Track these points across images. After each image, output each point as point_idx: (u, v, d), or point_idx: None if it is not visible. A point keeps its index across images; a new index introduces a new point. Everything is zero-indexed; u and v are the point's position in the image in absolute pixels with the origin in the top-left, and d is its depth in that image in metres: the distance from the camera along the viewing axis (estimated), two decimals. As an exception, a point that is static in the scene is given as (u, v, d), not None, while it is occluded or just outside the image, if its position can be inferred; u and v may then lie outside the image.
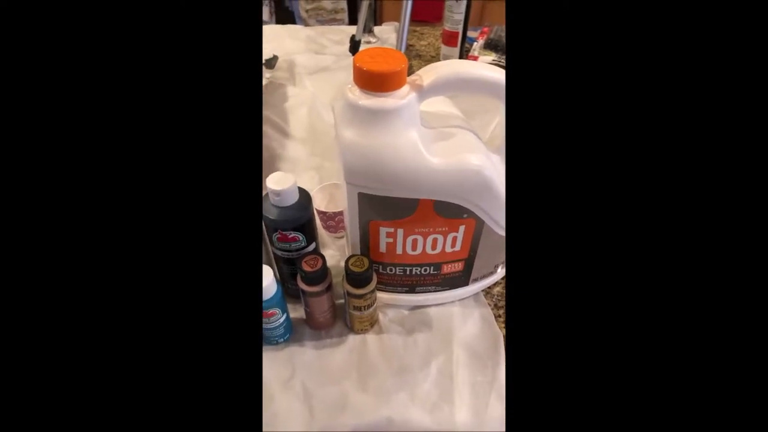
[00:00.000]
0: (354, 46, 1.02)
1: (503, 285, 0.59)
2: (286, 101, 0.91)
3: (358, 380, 0.49)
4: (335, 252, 0.62)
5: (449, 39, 0.97)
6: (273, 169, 0.74)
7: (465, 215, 0.45)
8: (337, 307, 0.54)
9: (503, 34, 1.01)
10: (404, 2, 0.87)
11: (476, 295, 0.57)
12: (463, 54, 0.99)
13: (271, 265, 0.50)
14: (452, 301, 0.56)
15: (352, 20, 1.90)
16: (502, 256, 0.54)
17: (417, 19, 0.96)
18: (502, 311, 0.55)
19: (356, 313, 0.50)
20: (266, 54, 1.03)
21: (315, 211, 0.54)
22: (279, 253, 0.50)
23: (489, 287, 0.58)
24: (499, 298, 0.57)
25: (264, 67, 1.00)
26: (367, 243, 0.48)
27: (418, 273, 0.52)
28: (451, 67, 0.40)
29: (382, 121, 0.39)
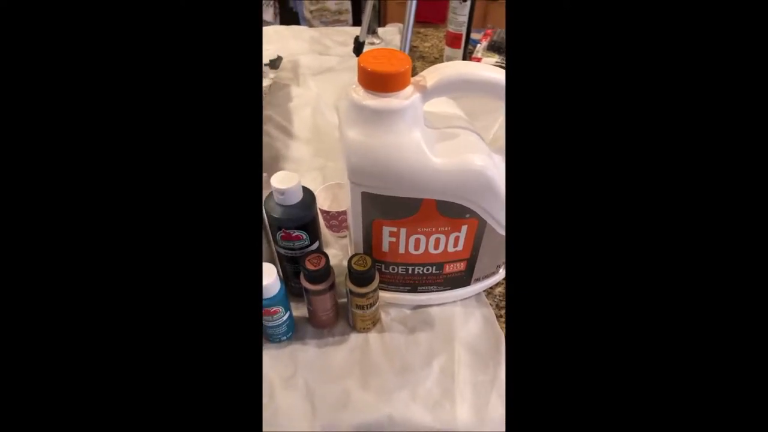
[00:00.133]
0: (358, 47, 1.02)
1: (505, 285, 0.59)
2: (290, 101, 0.91)
3: (360, 378, 0.49)
4: (338, 251, 0.63)
5: (453, 40, 0.97)
6: (277, 169, 0.74)
7: (467, 215, 0.46)
8: (340, 306, 0.54)
9: (507, 36, 1.01)
10: (408, 3, 0.87)
11: (478, 295, 0.57)
12: (467, 56, 0.99)
13: (274, 264, 0.50)
14: (454, 301, 0.57)
15: (356, 21, 1.90)
16: (504, 257, 0.55)
17: (421, 20, 0.97)
18: (503, 311, 0.56)
19: (359, 311, 0.50)
20: (271, 55, 1.03)
21: (318, 211, 0.54)
22: (282, 251, 0.51)
23: (491, 287, 0.58)
24: (501, 298, 0.57)
25: (268, 68, 1.00)
26: (370, 242, 0.49)
27: (421, 272, 0.52)
28: (454, 68, 0.41)
29: (386, 121, 0.39)
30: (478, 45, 1.02)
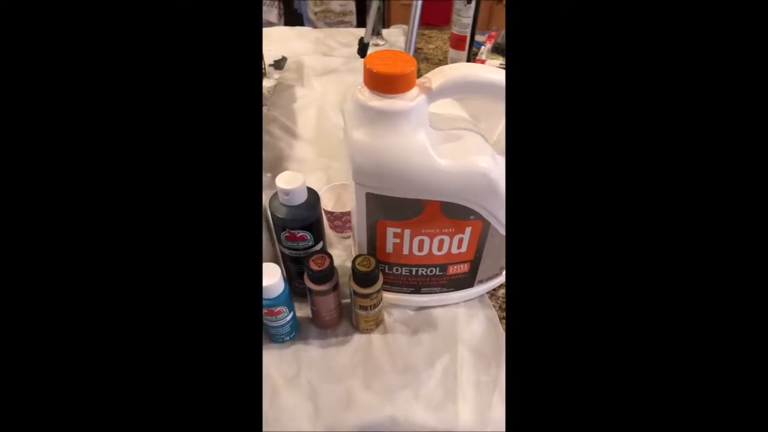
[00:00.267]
0: (362, 48, 1.02)
1: (505, 285, 0.59)
2: (295, 102, 0.92)
3: (363, 379, 0.49)
4: (341, 252, 0.63)
5: (457, 42, 0.97)
6: (281, 169, 0.74)
7: (471, 217, 0.46)
8: (343, 307, 0.54)
9: (511, 38, 1.01)
10: (414, 5, 0.87)
11: (481, 297, 0.57)
12: (471, 58, 0.99)
13: (278, 264, 0.50)
14: (457, 303, 0.57)
15: (360, 23, 1.91)
16: (508, 259, 0.55)
17: (425, 22, 0.97)
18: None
19: (362, 312, 0.50)
20: (275, 55, 1.04)
21: (322, 211, 0.54)
22: (287, 251, 0.51)
23: (494, 289, 0.58)
24: (504, 300, 0.57)
25: (273, 68, 1.01)
26: (374, 243, 0.49)
27: (424, 274, 0.52)
28: (459, 70, 0.41)
29: (392, 122, 0.39)
30: (483, 47, 1.02)
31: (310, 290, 0.49)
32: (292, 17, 1.93)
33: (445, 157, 0.41)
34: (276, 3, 1.86)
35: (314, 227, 0.49)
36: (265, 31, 1.15)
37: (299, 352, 0.51)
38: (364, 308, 0.50)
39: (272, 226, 0.51)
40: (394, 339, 0.53)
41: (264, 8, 1.84)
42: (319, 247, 0.51)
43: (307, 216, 0.48)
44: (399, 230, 0.47)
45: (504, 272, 0.57)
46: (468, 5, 0.91)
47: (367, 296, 0.48)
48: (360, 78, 0.40)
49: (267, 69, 0.99)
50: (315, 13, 1.94)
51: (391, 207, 0.44)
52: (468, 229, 0.47)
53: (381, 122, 0.39)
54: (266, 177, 0.73)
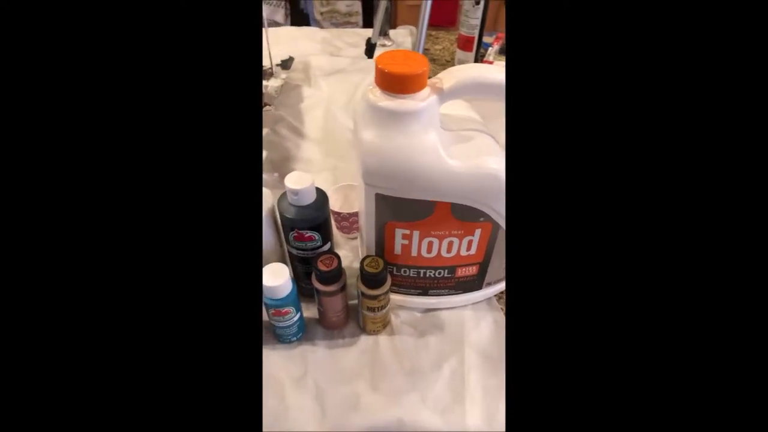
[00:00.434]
0: (370, 48, 1.02)
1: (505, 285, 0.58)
2: (302, 102, 0.91)
3: (370, 380, 0.49)
4: (348, 253, 0.62)
5: (465, 43, 0.97)
6: (288, 169, 0.74)
7: (481, 219, 0.45)
8: (351, 308, 0.54)
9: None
10: (423, 5, 0.87)
11: (489, 299, 0.57)
12: (478, 58, 0.99)
13: (286, 264, 0.50)
14: (465, 305, 0.56)
15: (366, 23, 1.91)
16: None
17: (432, 23, 0.97)
18: (514, 316, 0.55)
19: (369, 313, 0.50)
20: (282, 55, 1.04)
21: (330, 212, 0.54)
22: (295, 252, 0.51)
23: (502, 292, 0.58)
24: (512, 302, 0.57)
25: (280, 68, 1.01)
26: (382, 244, 0.49)
27: (432, 276, 0.52)
28: (471, 71, 0.41)
29: (402, 123, 0.39)
30: (490, 48, 1.02)
31: (318, 291, 0.49)
32: (299, 17, 1.93)
33: (455, 158, 0.41)
34: (282, 3, 1.86)
35: (323, 228, 0.49)
36: (273, 30, 1.15)
37: (306, 353, 0.51)
38: (372, 309, 0.50)
39: (281, 226, 0.51)
40: (401, 341, 0.53)
41: (270, 8, 1.84)
42: (327, 247, 0.51)
43: (316, 216, 0.48)
44: (408, 232, 0.47)
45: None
46: (476, 6, 0.91)
47: (374, 297, 0.48)
48: (367, 78, 0.40)
49: (274, 69, 0.99)
50: (321, 14, 1.94)
51: (401, 208, 0.44)
52: (478, 231, 0.47)
53: (391, 122, 0.39)
54: (273, 177, 0.73)
